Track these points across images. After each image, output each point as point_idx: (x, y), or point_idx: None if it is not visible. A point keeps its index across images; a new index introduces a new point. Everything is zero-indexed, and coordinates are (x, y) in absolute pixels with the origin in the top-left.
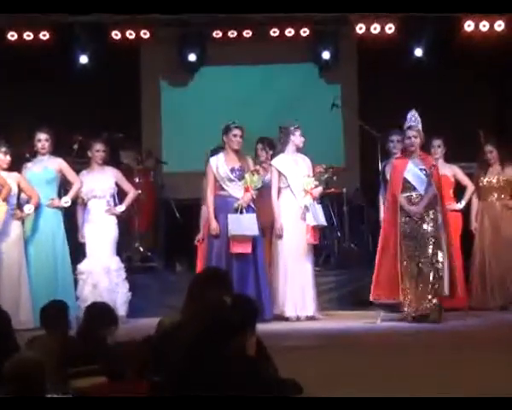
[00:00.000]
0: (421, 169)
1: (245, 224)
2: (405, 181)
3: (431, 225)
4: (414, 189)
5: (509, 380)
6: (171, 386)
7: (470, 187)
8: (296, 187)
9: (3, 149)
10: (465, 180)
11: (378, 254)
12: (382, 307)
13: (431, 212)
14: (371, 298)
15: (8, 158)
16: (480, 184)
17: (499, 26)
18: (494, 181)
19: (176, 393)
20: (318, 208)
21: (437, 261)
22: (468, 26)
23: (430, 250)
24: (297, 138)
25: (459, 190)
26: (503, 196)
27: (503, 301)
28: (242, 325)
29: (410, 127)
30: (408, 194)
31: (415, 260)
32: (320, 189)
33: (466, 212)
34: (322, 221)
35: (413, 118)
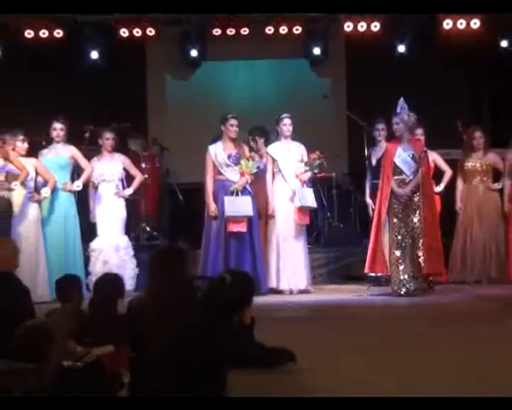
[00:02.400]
0: (409, 154)
1: (240, 205)
2: (395, 165)
3: (416, 208)
4: (403, 173)
5: (491, 353)
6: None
7: (448, 172)
8: (287, 172)
9: (21, 137)
10: (444, 166)
11: (372, 231)
12: (371, 281)
13: (416, 195)
14: (366, 270)
15: (26, 145)
16: (465, 168)
17: (475, 24)
18: (478, 165)
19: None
20: (307, 192)
21: (420, 242)
22: (447, 24)
23: (416, 232)
24: (283, 127)
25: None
26: (485, 178)
27: (479, 276)
28: (242, 299)
29: (395, 114)
30: (399, 177)
31: (401, 239)
32: (308, 174)
33: (450, 194)
34: (311, 203)
35: (399, 107)
